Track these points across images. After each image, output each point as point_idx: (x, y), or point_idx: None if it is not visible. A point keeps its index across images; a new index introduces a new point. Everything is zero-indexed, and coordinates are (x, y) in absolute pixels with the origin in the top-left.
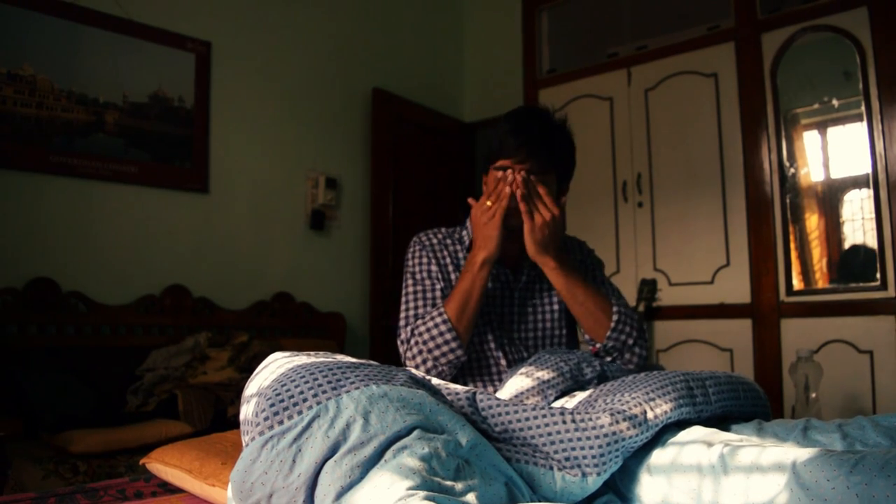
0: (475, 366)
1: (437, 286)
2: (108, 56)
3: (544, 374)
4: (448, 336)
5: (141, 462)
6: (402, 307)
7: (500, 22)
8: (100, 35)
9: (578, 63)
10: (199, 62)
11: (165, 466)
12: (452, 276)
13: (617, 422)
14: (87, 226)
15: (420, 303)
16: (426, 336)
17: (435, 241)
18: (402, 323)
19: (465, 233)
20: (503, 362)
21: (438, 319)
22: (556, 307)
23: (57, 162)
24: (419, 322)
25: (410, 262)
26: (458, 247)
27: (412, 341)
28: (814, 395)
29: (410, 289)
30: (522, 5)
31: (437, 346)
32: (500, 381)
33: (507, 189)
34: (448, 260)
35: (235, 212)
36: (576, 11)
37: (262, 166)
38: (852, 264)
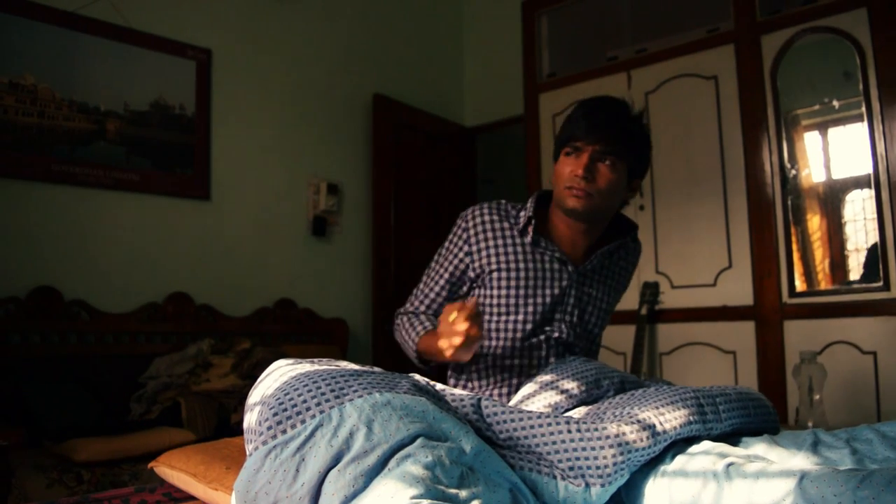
0: (517, 346)
1: (444, 290)
2: (108, 65)
3: (562, 384)
4: (415, 360)
5: (149, 466)
6: (422, 281)
7: (499, 26)
8: (100, 44)
9: (578, 67)
10: (199, 70)
11: (171, 470)
12: (491, 262)
13: (624, 434)
14: (89, 234)
15: (423, 294)
16: (401, 339)
17: (482, 223)
18: (411, 296)
19: (522, 212)
20: (543, 348)
21: (413, 346)
22: (603, 305)
23: (59, 171)
24: (408, 326)
25: (447, 240)
26: (508, 225)
27: (397, 328)
28: (817, 396)
29: (433, 270)
30: (522, 10)
31: (407, 355)
32: (539, 364)
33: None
34: (492, 244)
35: (237, 218)
36: (575, 15)
37: (264, 173)
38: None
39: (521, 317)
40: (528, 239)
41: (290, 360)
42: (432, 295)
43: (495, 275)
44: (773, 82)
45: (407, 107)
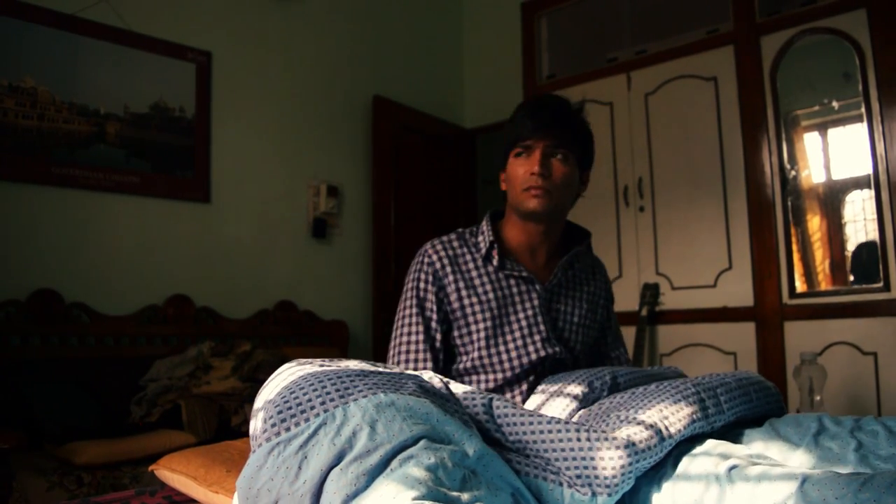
0: (490, 370)
1: (421, 338)
2: (108, 67)
3: (557, 394)
4: None
5: (150, 469)
6: (392, 340)
7: (499, 28)
8: (100, 46)
9: (578, 68)
10: (199, 72)
11: (172, 473)
12: (462, 296)
13: (632, 443)
14: (89, 237)
15: (403, 356)
16: None
17: (445, 257)
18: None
19: (480, 237)
20: (535, 372)
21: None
22: (574, 319)
23: (59, 173)
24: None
25: (409, 285)
26: (470, 255)
27: None
28: (818, 397)
29: (403, 321)
30: (522, 11)
31: None
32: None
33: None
34: (459, 277)
35: (237, 221)
36: (575, 17)
37: (264, 175)
38: (862, 263)
39: (502, 347)
40: (495, 263)
41: (298, 361)
42: (413, 351)
43: (469, 310)
44: (773, 83)
45: (407, 108)
